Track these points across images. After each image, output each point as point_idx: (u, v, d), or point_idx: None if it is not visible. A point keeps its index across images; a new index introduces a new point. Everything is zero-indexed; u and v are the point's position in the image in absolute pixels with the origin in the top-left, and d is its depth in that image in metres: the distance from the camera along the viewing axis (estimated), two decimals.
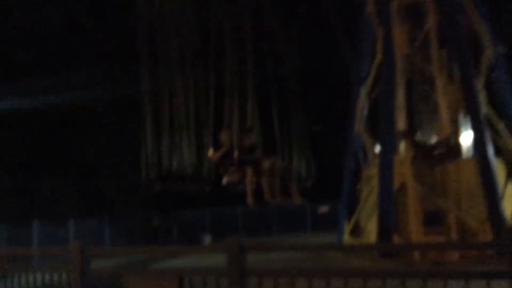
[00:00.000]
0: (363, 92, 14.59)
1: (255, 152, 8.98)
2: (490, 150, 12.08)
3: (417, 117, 14.09)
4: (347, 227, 14.63)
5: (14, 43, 23.70)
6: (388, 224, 12.39)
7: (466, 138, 13.02)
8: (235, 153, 8.72)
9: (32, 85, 21.67)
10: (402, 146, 13.54)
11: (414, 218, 12.00)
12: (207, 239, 22.19)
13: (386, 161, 12.82)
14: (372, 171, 13.89)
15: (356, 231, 14.51)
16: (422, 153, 12.25)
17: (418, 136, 13.66)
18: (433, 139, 13.22)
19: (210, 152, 9.21)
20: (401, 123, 12.92)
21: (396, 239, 12.32)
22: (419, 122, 14.09)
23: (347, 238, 14.57)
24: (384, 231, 12.40)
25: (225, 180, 8.88)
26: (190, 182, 16.42)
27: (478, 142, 12.15)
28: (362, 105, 14.69)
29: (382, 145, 13.13)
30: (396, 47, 13.13)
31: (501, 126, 13.01)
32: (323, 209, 28.52)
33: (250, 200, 8.63)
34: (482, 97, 12.70)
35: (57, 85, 22.26)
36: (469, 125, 12.73)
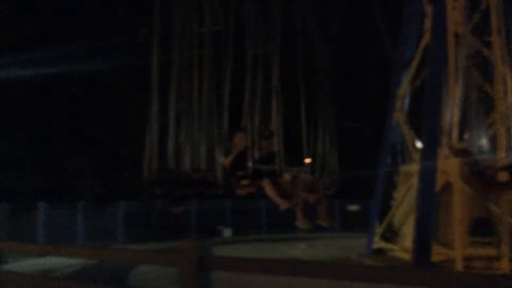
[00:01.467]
0: (406, 78, 12.86)
1: (274, 162, 7.42)
2: None
3: (467, 112, 12.24)
4: (378, 229, 12.98)
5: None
6: (427, 230, 10.68)
7: None
8: (249, 162, 7.19)
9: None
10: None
11: (458, 225, 10.26)
12: (227, 233, 20.86)
13: (429, 156, 11.08)
14: (411, 168, 12.19)
15: (389, 234, 12.86)
16: (481, 180, 10.22)
17: (466, 138, 11.82)
18: (493, 158, 11.07)
19: (222, 159, 7.76)
20: (454, 116, 11.05)
21: (435, 248, 10.62)
22: (469, 118, 12.25)
23: (378, 242, 12.92)
24: (422, 238, 10.70)
25: (237, 191, 7.41)
26: (200, 186, 15.08)
27: None
28: (403, 92, 12.96)
29: (425, 138, 11.39)
30: (447, 27, 11.33)
31: None
32: (353, 207, 26.82)
33: (300, 222, 7.15)
34: None
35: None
36: None
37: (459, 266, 10.02)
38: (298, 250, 11.94)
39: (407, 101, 13.11)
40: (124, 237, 18.46)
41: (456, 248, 10.19)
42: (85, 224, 17.83)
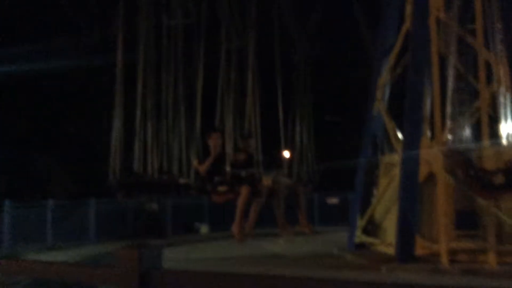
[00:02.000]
0: (386, 66, 12.41)
1: (253, 165, 6.84)
2: None
3: (449, 101, 11.82)
4: (360, 223, 12.53)
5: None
6: (410, 223, 10.28)
7: None
8: (227, 167, 6.62)
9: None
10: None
11: (443, 217, 9.85)
12: (204, 229, 20.26)
13: (411, 146, 10.68)
14: (392, 158, 11.76)
15: (371, 228, 12.42)
16: (479, 185, 9.74)
17: (448, 127, 11.39)
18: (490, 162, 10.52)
19: (195, 163, 7.20)
20: (436, 104, 10.59)
21: (419, 242, 10.22)
22: (452, 108, 11.84)
23: (359, 236, 12.48)
24: (405, 231, 10.30)
25: (214, 198, 6.83)
26: (168, 190, 14.48)
27: None
28: (384, 81, 12.52)
29: (407, 128, 10.97)
30: (429, 11, 10.89)
31: None
32: (332, 200, 26.44)
33: (281, 229, 6.63)
34: None
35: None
36: None
37: (444, 260, 9.63)
38: (278, 246, 11.40)
39: (388, 90, 12.68)
40: (96, 236, 17.74)
41: (440, 242, 9.78)
42: (55, 223, 17.05)
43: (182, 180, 18.69)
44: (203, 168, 6.83)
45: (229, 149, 7.59)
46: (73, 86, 24.50)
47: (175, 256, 12.94)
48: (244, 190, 6.39)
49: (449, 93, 11.12)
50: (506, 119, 11.31)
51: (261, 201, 6.52)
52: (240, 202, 6.33)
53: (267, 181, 6.69)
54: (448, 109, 11.03)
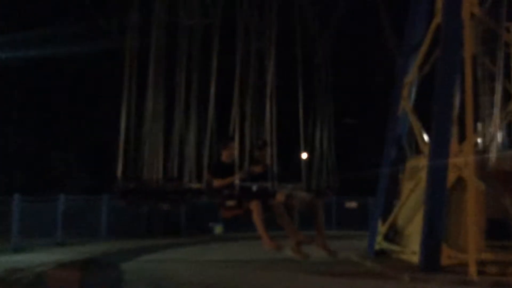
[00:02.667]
0: (414, 64, 11.74)
1: (267, 178, 6.14)
2: None
3: (479, 100, 11.11)
4: (381, 229, 11.88)
5: None
6: (437, 231, 9.60)
7: None
8: (236, 179, 5.87)
9: None
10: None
11: (472, 226, 9.15)
12: (218, 229, 19.75)
13: (439, 149, 10.00)
14: (419, 162, 11.09)
15: (392, 234, 11.76)
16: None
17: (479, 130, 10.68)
18: None
19: (208, 177, 6.54)
20: (469, 105, 9.85)
21: (446, 251, 9.53)
22: (482, 107, 11.13)
23: (380, 243, 11.82)
24: (431, 239, 9.62)
25: (222, 212, 6.24)
26: (175, 197, 13.91)
27: None
28: (411, 79, 11.85)
29: (435, 129, 10.28)
30: (462, 5, 10.20)
31: None
32: (351, 204, 25.73)
33: (295, 251, 6.00)
34: None
35: None
36: None
37: (472, 271, 8.93)
38: (293, 251, 10.77)
39: (414, 89, 12.01)
40: (108, 233, 17.33)
41: (469, 252, 9.08)
42: (66, 219, 16.66)
43: (193, 185, 18.15)
44: (219, 184, 6.21)
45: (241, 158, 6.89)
46: (89, 78, 24.18)
47: (185, 257, 12.44)
48: (254, 206, 5.75)
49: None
50: None
51: (282, 214, 5.86)
52: (255, 217, 5.73)
53: (281, 196, 5.99)
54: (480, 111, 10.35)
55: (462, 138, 10.33)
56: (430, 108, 10.73)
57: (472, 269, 8.95)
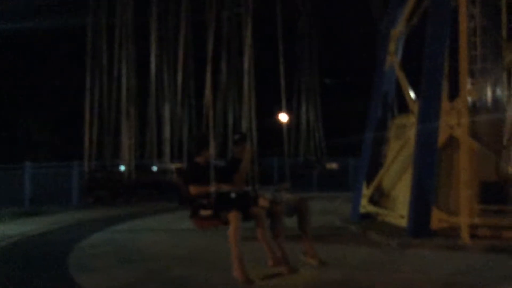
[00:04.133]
0: (401, 16, 10.95)
1: (248, 180, 5.15)
2: None
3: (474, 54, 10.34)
4: (366, 192, 11.31)
5: None
6: (426, 193, 9.03)
7: None
8: (212, 188, 4.87)
9: None
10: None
11: (465, 189, 8.57)
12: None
13: (430, 106, 9.34)
14: (407, 119, 10.45)
15: (378, 197, 11.20)
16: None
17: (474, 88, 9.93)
18: None
19: (175, 178, 5.55)
20: (463, 57, 9.11)
21: (436, 214, 8.98)
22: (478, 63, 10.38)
23: (365, 206, 11.27)
24: (420, 202, 9.05)
25: (195, 223, 5.25)
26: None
27: None
28: (398, 33, 11.08)
29: (425, 86, 9.58)
30: None
31: None
32: (332, 165, 25.22)
33: (273, 262, 5.06)
34: None
35: None
36: None
37: (464, 235, 8.41)
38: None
39: (402, 43, 11.25)
40: (79, 201, 16.53)
41: (461, 216, 8.53)
42: (34, 187, 15.82)
43: (173, 166, 17.16)
44: (197, 191, 5.19)
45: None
46: (62, 44, 22.99)
47: (157, 226, 11.78)
48: (233, 219, 4.77)
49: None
50: None
51: (263, 227, 4.95)
52: (231, 234, 4.76)
53: (264, 202, 5.03)
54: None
55: (452, 95, 9.68)
56: (418, 64, 10.03)
57: (465, 233, 8.44)
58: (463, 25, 9.03)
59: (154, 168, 15.80)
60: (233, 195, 4.95)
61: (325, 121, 23.99)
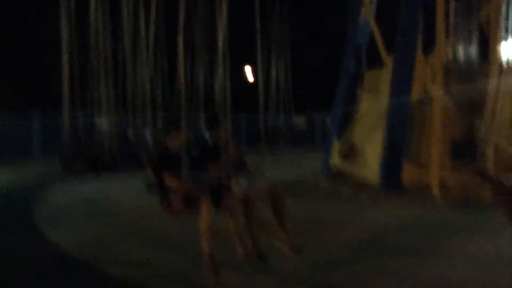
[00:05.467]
0: None
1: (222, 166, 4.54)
2: None
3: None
4: (336, 147, 11.22)
5: None
6: (398, 148, 8.98)
7: None
8: (186, 186, 4.30)
9: None
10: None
11: (436, 144, 8.54)
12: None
13: (404, 60, 9.19)
14: (380, 74, 10.28)
15: (349, 152, 11.12)
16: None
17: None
18: None
19: (147, 167, 4.86)
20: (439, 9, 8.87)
21: (407, 169, 8.97)
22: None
23: (335, 161, 11.20)
24: (391, 157, 9.02)
25: (166, 211, 4.70)
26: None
27: None
28: None
29: (399, 38, 9.40)
30: None
31: None
32: (299, 120, 25.14)
33: (241, 254, 4.45)
34: None
35: None
36: None
37: (435, 190, 8.44)
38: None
39: None
40: (40, 153, 15.99)
41: (432, 171, 8.54)
42: None
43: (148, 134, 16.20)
44: (171, 184, 4.64)
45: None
46: None
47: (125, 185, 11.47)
48: (203, 208, 4.24)
49: None
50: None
51: (236, 217, 4.47)
52: (202, 224, 4.25)
53: (238, 189, 4.49)
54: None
55: (427, 49, 9.53)
56: (393, 17, 9.79)
57: (435, 188, 8.46)
58: None
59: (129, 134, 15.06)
60: (205, 180, 4.56)
61: (295, 76, 23.76)
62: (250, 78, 26.60)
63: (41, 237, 6.04)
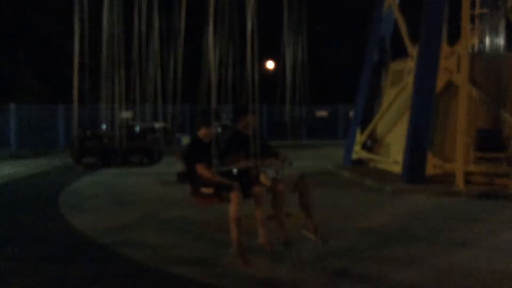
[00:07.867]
0: None
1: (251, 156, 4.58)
2: None
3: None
4: (359, 138, 11.19)
5: None
6: (422, 139, 8.90)
7: None
8: (217, 178, 4.60)
9: None
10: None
11: (461, 136, 8.45)
12: (185, 140, 18.86)
13: (429, 50, 9.08)
14: (404, 65, 10.20)
15: (371, 143, 11.11)
16: None
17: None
18: None
19: (178, 158, 4.87)
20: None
21: (431, 161, 8.90)
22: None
23: (358, 152, 11.18)
24: (415, 148, 8.94)
25: (195, 201, 4.75)
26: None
27: None
28: None
29: (425, 29, 9.29)
30: None
31: None
32: (321, 113, 25.10)
33: (263, 240, 4.51)
34: None
35: None
36: None
37: (459, 182, 8.35)
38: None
39: None
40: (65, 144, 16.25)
41: (457, 163, 8.45)
42: (20, 130, 15.48)
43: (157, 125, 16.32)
44: (204, 174, 4.67)
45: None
46: None
47: (147, 170, 11.60)
48: (233, 198, 4.31)
49: None
50: None
51: (262, 207, 4.53)
52: (232, 212, 4.36)
53: (266, 179, 4.57)
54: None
55: (452, 39, 9.42)
56: (417, 6, 9.69)
57: (459, 180, 8.38)
58: None
59: (137, 129, 15.19)
60: (235, 171, 4.65)
61: (313, 67, 23.65)
62: (270, 66, 26.54)
63: (66, 224, 6.19)
